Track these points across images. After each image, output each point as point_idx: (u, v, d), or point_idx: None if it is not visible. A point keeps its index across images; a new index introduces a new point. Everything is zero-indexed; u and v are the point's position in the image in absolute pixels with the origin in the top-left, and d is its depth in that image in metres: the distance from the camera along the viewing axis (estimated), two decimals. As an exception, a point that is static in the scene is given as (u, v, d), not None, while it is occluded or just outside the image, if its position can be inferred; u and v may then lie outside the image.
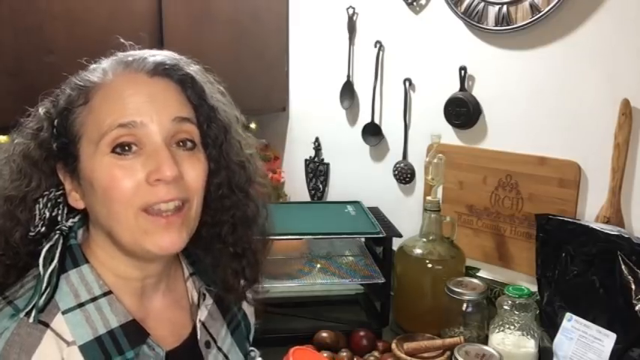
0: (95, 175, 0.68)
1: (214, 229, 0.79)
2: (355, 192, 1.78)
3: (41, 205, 0.72)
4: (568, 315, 1.18)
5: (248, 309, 0.94)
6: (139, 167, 0.67)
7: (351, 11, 1.75)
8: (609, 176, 1.27)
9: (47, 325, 0.67)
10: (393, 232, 1.48)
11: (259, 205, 0.82)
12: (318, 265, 1.52)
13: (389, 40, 1.68)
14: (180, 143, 0.71)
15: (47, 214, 0.73)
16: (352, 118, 1.82)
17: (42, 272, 0.68)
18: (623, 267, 1.11)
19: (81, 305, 0.69)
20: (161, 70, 0.71)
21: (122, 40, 0.76)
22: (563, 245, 1.23)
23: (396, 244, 1.48)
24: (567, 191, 1.35)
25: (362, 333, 1.35)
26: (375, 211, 1.62)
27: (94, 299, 0.70)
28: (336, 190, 1.93)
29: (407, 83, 1.65)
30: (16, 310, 0.67)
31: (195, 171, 0.71)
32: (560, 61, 1.35)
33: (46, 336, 0.66)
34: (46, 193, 0.72)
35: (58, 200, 0.74)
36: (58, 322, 0.67)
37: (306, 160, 1.98)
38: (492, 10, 1.41)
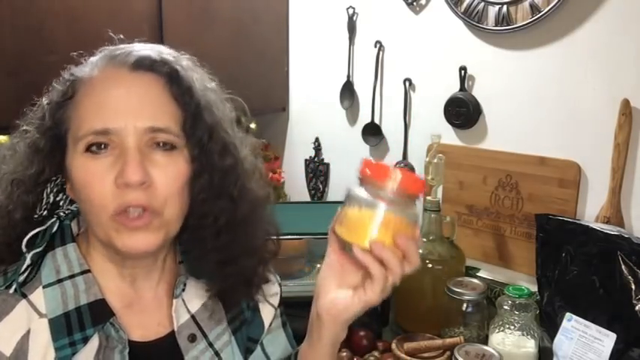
0: (73, 173, 0.70)
1: (196, 233, 0.75)
2: (355, 192, 1.77)
3: (48, 190, 0.74)
4: (568, 315, 1.17)
5: (265, 308, 0.89)
6: (109, 169, 0.67)
7: (351, 11, 1.75)
8: (609, 176, 1.27)
9: (25, 297, 0.69)
10: (393, 232, 1.48)
11: (252, 209, 0.78)
12: (318, 265, 1.51)
13: (389, 40, 1.68)
14: (161, 144, 0.69)
15: (52, 199, 0.74)
16: (352, 118, 1.82)
17: (25, 251, 0.71)
18: (623, 267, 1.11)
19: (60, 281, 0.71)
20: (144, 65, 0.69)
21: (111, 34, 0.76)
22: (563, 245, 1.23)
23: (396, 244, 1.47)
24: (567, 191, 1.35)
25: (362, 333, 1.35)
26: (375, 211, 1.62)
27: (72, 276, 0.72)
28: (336, 190, 1.92)
29: (407, 83, 1.65)
30: (3, 281, 0.71)
31: (167, 176, 0.68)
32: (560, 61, 1.35)
33: (20, 305, 0.69)
34: (54, 178, 0.74)
35: (64, 187, 0.75)
36: (37, 295, 0.70)
37: (306, 160, 1.98)
38: (492, 10, 1.41)
